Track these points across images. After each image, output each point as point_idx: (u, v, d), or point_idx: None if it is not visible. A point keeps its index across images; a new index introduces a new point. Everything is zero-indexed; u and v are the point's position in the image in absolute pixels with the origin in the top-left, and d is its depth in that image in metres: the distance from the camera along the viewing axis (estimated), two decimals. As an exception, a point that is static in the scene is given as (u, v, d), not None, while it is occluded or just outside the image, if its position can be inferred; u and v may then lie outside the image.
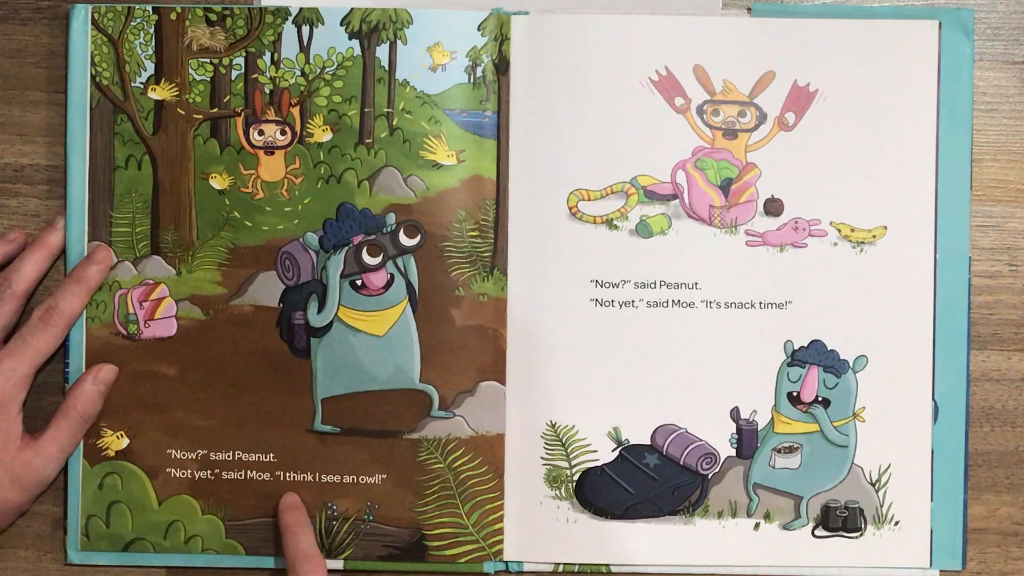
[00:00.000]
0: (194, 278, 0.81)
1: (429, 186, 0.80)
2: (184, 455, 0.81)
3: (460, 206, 0.80)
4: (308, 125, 0.81)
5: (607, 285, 0.81)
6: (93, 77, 0.80)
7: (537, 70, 0.81)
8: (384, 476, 0.80)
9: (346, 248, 0.80)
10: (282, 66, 0.81)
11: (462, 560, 0.80)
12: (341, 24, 0.80)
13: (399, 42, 0.80)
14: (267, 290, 0.80)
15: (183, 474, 0.81)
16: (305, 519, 0.79)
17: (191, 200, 0.81)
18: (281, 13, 0.80)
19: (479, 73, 0.80)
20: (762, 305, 0.81)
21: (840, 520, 0.81)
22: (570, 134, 0.81)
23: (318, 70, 0.81)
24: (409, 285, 0.80)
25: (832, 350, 0.81)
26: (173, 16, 0.80)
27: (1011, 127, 0.82)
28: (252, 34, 0.81)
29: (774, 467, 0.81)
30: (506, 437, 0.80)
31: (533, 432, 0.81)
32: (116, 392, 0.80)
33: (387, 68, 0.80)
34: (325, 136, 0.81)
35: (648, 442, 0.81)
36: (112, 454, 0.81)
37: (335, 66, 0.80)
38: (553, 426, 0.81)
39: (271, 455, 0.81)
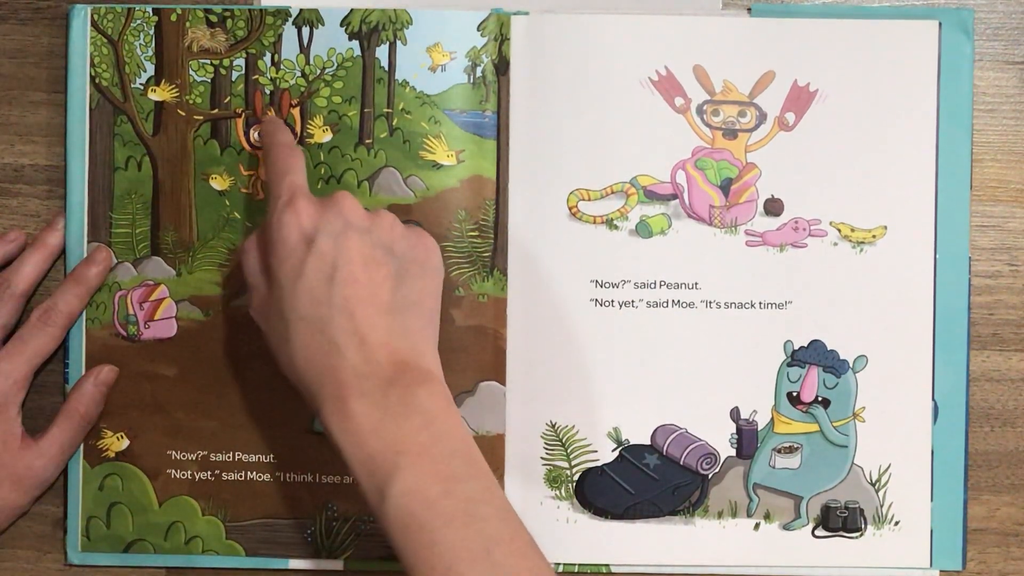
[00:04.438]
0: (194, 279, 0.81)
1: (429, 186, 0.80)
2: (184, 456, 0.81)
3: (460, 206, 0.80)
4: (308, 126, 0.81)
5: (607, 285, 0.81)
6: (92, 78, 0.80)
7: (537, 70, 0.81)
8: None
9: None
10: (282, 67, 0.81)
11: (462, 560, 0.80)
12: (341, 25, 0.80)
13: (399, 43, 0.80)
14: (267, 290, 0.80)
15: (183, 475, 0.81)
16: (283, 125, 0.78)
17: (191, 201, 0.81)
18: (281, 14, 0.80)
19: (479, 73, 0.80)
20: (762, 305, 0.81)
21: (840, 520, 0.81)
22: (570, 134, 0.81)
23: (318, 71, 0.81)
24: (409, 285, 0.80)
25: (832, 350, 0.81)
26: (173, 18, 0.80)
27: (1011, 127, 0.82)
28: (252, 35, 0.80)
29: (774, 467, 0.81)
30: (506, 437, 0.80)
31: (533, 432, 0.81)
32: (116, 393, 0.80)
33: (387, 69, 0.80)
34: (325, 137, 0.81)
35: (648, 442, 0.81)
36: (112, 455, 0.81)
37: (335, 67, 0.80)
38: (553, 426, 0.81)
39: (271, 456, 0.81)
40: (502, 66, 0.80)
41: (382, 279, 0.68)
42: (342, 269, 0.67)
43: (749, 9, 0.81)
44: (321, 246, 0.68)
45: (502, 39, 0.80)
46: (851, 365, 0.81)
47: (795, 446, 0.81)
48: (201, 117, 0.81)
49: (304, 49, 0.81)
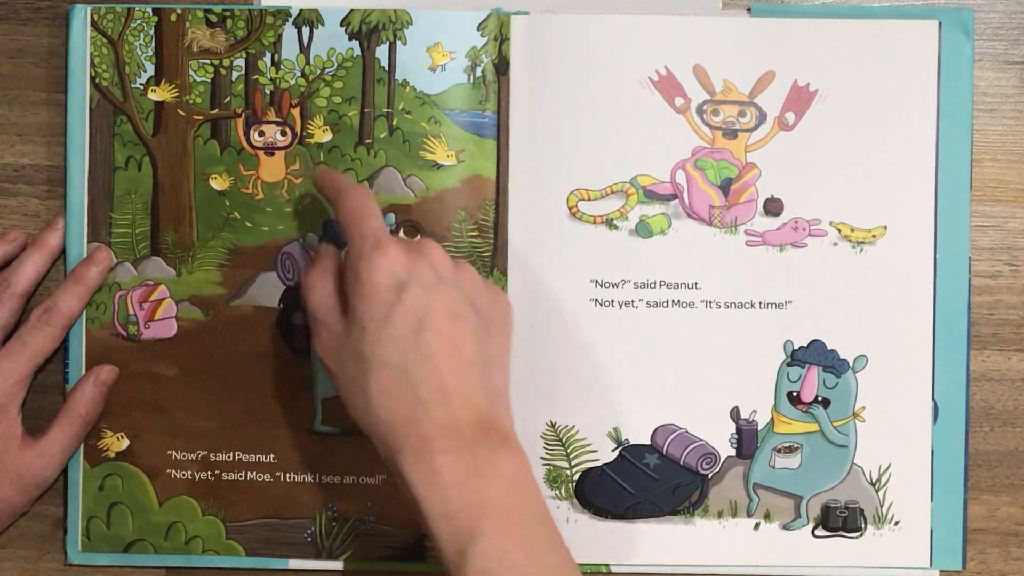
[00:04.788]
0: (194, 279, 0.81)
1: (429, 186, 0.80)
2: (184, 456, 0.81)
3: (460, 206, 0.80)
4: (308, 126, 0.81)
5: (607, 285, 0.81)
6: (92, 78, 0.80)
7: (537, 70, 0.80)
8: (384, 477, 0.80)
9: (346, 248, 0.80)
10: (282, 67, 0.81)
11: (462, 560, 0.80)
12: (341, 25, 0.80)
13: (399, 42, 0.80)
14: (267, 291, 0.80)
15: (183, 475, 0.81)
16: (339, 173, 0.78)
17: (191, 201, 0.81)
18: (281, 14, 0.80)
19: (479, 73, 0.80)
20: (762, 305, 0.81)
21: (840, 520, 0.81)
22: (570, 134, 0.81)
23: (318, 71, 0.81)
24: (409, 285, 0.80)
25: (832, 350, 0.81)
26: (173, 18, 0.80)
27: (1011, 127, 0.82)
28: (252, 35, 0.80)
29: (774, 467, 0.81)
30: (506, 437, 0.80)
31: (533, 432, 0.81)
32: (116, 393, 0.80)
33: (387, 68, 0.80)
34: (325, 137, 0.81)
35: (648, 442, 0.81)
36: (112, 455, 0.81)
37: (335, 67, 0.80)
38: (553, 426, 0.81)
39: (271, 456, 0.81)
40: (502, 66, 0.80)
41: (466, 334, 0.68)
42: (430, 321, 0.67)
43: (749, 9, 0.81)
44: (412, 295, 0.68)
45: (502, 39, 0.80)
46: (851, 365, 0.81)
47: (795, 446, 0.81)
48: (201, 117, 0.81)
49: (304, 49, 0.81)
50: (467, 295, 0.70)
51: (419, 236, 0.80)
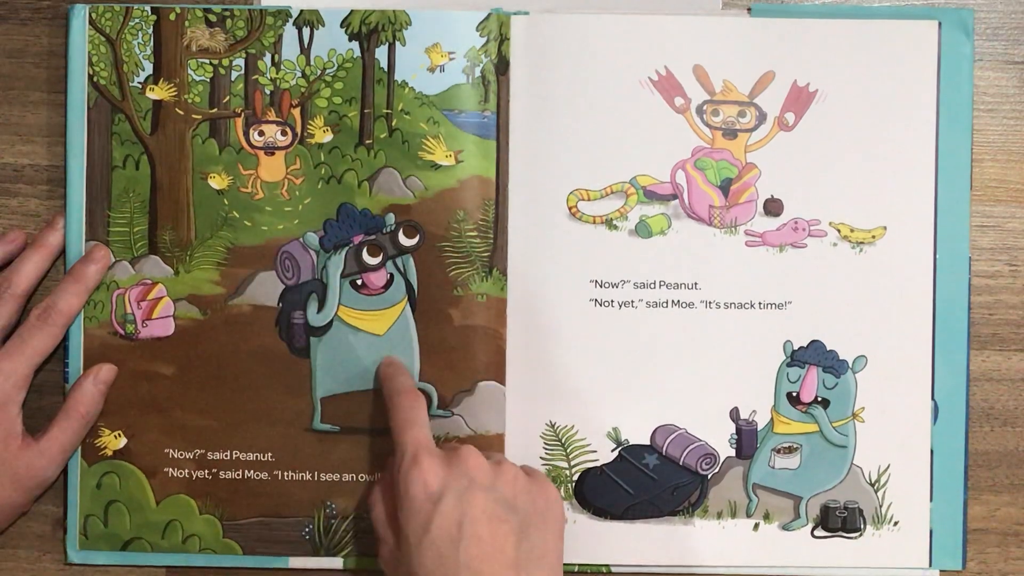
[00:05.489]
0: (192, 278, 0.81)
1: (428, 186, 0.80)
2: (182, 455, 0.81)
3: (459, 206, 0.80)
4: (309, 126, 0.81)
5: (607, 285, 0.81)
6: (91, 77, 0.80)
7: (537, 70, 0.81)
8: (381, 474, 0.80)
9: (346, 248, 0.80)
10: (283, 67, 0.81)
11: (461, 560, 0.80)
12: (341, 26, 0.80)
13: (398, 43, 0.80)
14: (266, 289, 0.80)
15: (181, 474, 0.81)
16: (402, 367, 0.79)
17: (189, 200, 0.81)
18: (282, 15, 0.80)
19: (478, 73, 0.80)
20: (762, 305, 0.81)
21: (840, 520, 0.80)
22: (570, 134, 0.81)
23: (318, 71, 0.81)
24: (408, 285, 0.80)
25: (832, 350, 0.80)
26: (172, 17, 0.80)
27: (1011, 127, 0.82)
28: (252, 35, 0.81)
29: (773, 467, 0.81)
30: (506, 437, 0.80)
31: (533, 432, 0.81)
32: (114, 392, 0.80)
33: (386, 69, 0.80)
34: (326, 137, 0.81)
35: (648, 442, 0.81)
36: (110, 453, 0.81)
37: (335, 67, 0.81)
38: (553, 426, 0.81)
39: (269, 454, 0.81)
40: (502, 66, 0.80)
41: (505, 535, 0.69)
42: (467, 528, 0.68)
43: (749, 9, 0.81)
44: (446, 505, 0.69)
45: (502, 39, 0.80)
46: (851, 365, 0.80)
47: (794, 446, 0.81)
48: (200, 116, 0.81)
49: (304, 50, 0.81)
50: (504, 496, 0.71)
51: (419, 237, 0.80)
